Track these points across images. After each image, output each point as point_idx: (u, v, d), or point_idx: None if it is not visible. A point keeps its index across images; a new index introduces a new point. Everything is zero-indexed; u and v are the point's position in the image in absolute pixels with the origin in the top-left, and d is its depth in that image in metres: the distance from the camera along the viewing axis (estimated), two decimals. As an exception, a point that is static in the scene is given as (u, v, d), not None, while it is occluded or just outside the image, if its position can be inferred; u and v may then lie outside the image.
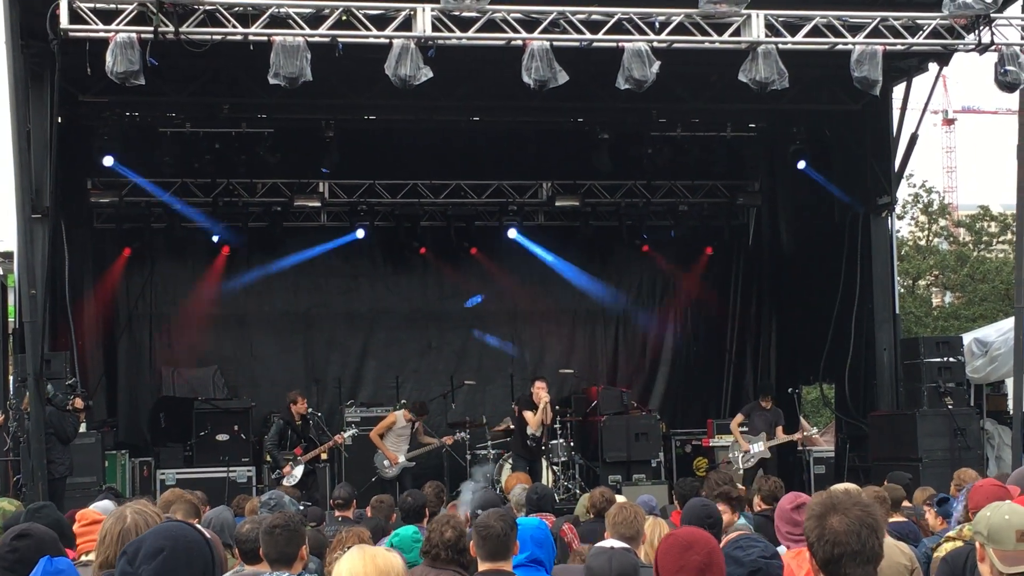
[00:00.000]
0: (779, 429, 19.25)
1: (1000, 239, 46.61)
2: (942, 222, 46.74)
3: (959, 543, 7.04)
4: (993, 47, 16.40)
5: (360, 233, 22.64)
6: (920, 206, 45.30)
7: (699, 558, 4.71)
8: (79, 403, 16.29)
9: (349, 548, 7.63)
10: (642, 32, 15.78)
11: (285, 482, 17.32)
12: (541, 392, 18.41)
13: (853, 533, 4.11)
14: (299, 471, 17.75)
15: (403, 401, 20.71)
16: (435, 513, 11.28)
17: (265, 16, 15.08)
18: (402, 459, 18.92)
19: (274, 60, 14.81)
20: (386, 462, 18.96)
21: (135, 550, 3.70)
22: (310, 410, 18.64)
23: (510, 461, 19.24)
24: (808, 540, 4.23)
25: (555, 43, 15.47)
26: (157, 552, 3.67)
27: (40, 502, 8.05)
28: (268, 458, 18.97)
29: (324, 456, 19.58)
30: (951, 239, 47.00)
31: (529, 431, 18.44)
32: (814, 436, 20.71)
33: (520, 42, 15.46)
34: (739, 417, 19.68)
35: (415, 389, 22.66)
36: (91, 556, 6.39)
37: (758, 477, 15.15)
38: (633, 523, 7.38)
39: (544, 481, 18.45)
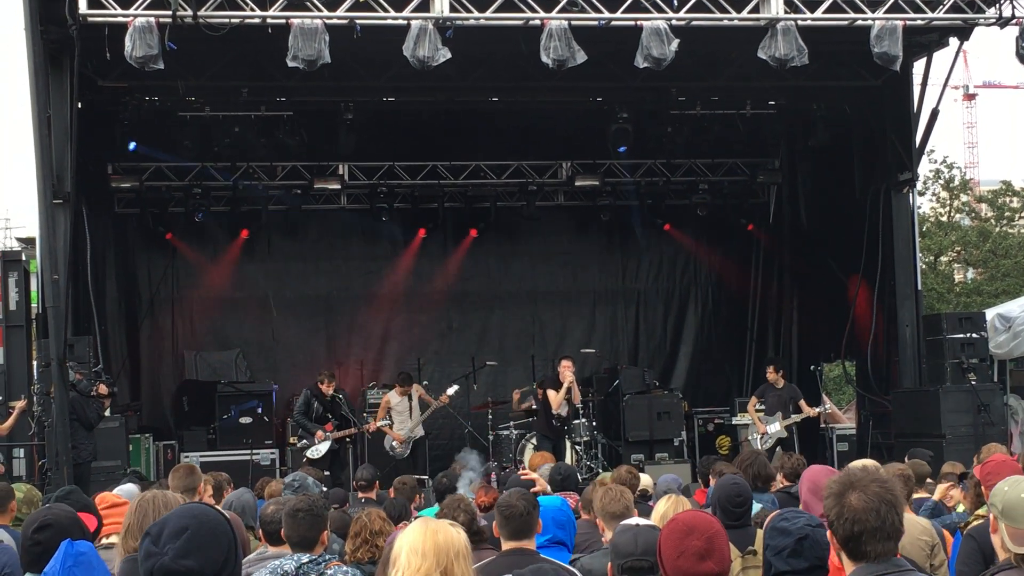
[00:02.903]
0: (802, 403, 19.18)
1: (1022, 214, 46.42)
2: (963, 198, 46.57)
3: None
4: (1014, 21, 16.34)
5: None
6: (941, 182, 45.15)
7: (699, 543, 4.69)
8: (103, 389, 16.37)
9: (373, 530, 7.70)
10: (660, 10, 15.75)
11: (309, 453, 17.40)
12: (567, 372, 18.37)
13: (872, 510, 4.11)
14: (325, 446, 17.81)
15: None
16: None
17: (283, -1, 15.10)
18: (406, 434, 18.95)
19: (292, 43, 14.84)
20: (394, 443, 18.98)
21: (159, 530, 3.71)
22: (335, 392, 18.68)
23: (533, 441, 19.24)
24: (828, 519, 4.23)
25: (573, 22, 15.45)
26: (182, 531, 3.68)
27: (67, 487, 8.09)
28: (294, 438, 18.98)
29: (348, 439, 19.68)
30: (973, 215, 46.82)
31: (553, 410, 18.42)
32: (832, 412, 20.63)
33: (538, 21, 15.46)
34: (754, 399, 19.66)
35: (436, 371, 22.69)
36: (113, 539, 6.45)
37: (779, 454, 15.13)
38: (620, 499, 7.36)
39: (567, 460, 18.45)
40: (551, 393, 18.34)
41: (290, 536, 6.54)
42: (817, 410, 19.58)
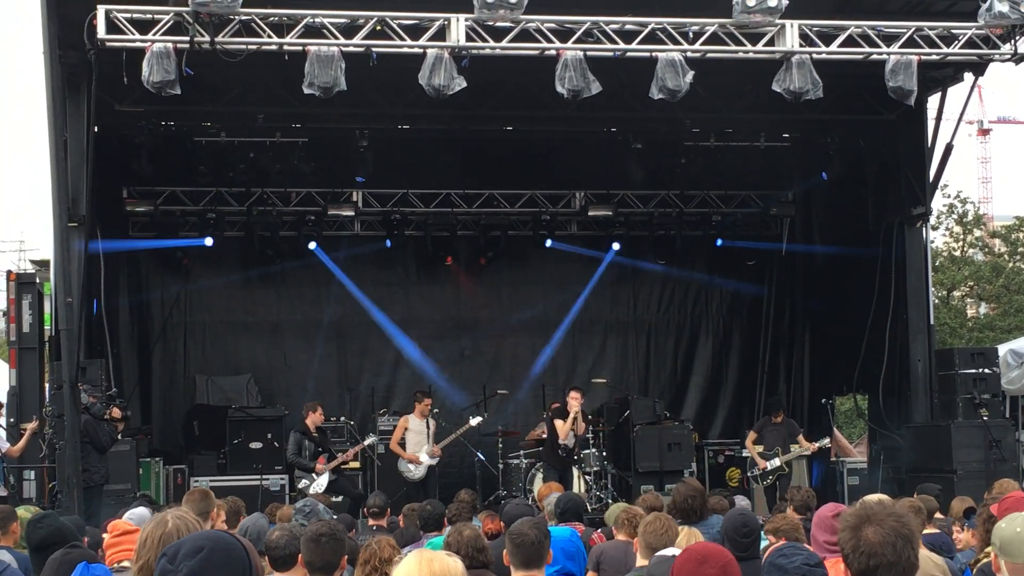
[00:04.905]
0: (800, 438, 19.22)
1: (1035, 250, 46.29)
2: (977, 233, 46.48)
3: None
4: (1029, 57, 16.35)
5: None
6: (955, 217, 45.06)
7: (713, 572, 4.71)
8: (117, 413, 16.37)
9: (383, 558, 7.69)
10: (676, 42, 15.79)
11: (311, 491, 17.40)
12: (573, 402, 18.43)
13: (888, 544, 4.09)
14: (324, 480, 17.83)
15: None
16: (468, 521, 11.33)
17: (300, 26, 15.19)
18: (424, 458, 18.91)
19: (309, 70, 14.92)
20: (410, 465, 18.96)
21: (175, 550, 3.74)
22: (342, 419, 18.72)
23: (542, 471, 19.24)
24: (843, 551, 4.22)
25: (589, 53, 15.52)
26: (197, 550, 3.71)
27: (41, 512, 8.09)
28: (293, 470, 18.98)
29: (356, 464, 19.65)
30: (986, 250, 46.73)
31: (560, 440, 18.47)
32: (843, 445, 20.56)
33: (554, 52, 15.52)
34: (752, 435, 19.70)
35: (447, 398, 22.68)
36: (125, 564, 6.46)
37: (790, 488, 15.13)
38: (664, 535, 7.37)
39: (576, 490, 18.43)
40: (558, 423, 18.44)
41: (312, 561, 6.57)
42: (816, 445, 19.53)
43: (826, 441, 20.07)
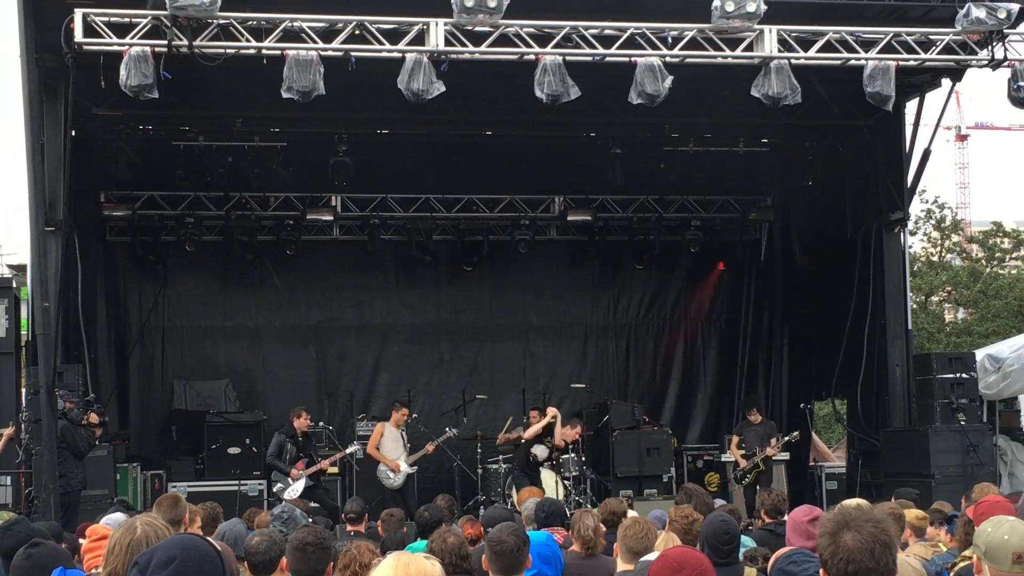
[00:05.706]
0: (772, 441, 19.25)
1: (1013, 255, 46.57)
2: (955, 238, 46.65)
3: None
4: (1006, 63, 16.43)
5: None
6: (933, 222, 45.22)
7: None
8: (94, 418, 16.28)
9: (363, 563, 7.66)
10: (655, 47, 15.81)
11: (286, 496, 17.32)
12: (568, 429, 18.74)
13: (867, 550, 4.07)
14: (300, 485, 17.75)
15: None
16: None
17: (279, 30, 15.15)
18: (403, 465, 18.89)
19: (287, 74, 14.88)
20: (389, 472, 18.91)
21: (147, 560, 3.70)
22: (321, 424, 18.64)
23: (513, 475, 19.28)
24: (822, 557, 4.20)
25: (568, 58, 15.52)
26: (169, 561, 3.67)
27: (10, 519, 8.04)
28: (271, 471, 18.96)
29: (335, 469, 19.56)
30: (964, 255, 46.91)
31: (523, 437, 18.72)
32: (821, 449, 20.60)
33: (533, 57, 15.52)
34: (736, 438, 19.80)
35: (427, 403, 22.65)
36: (100, 570, 6.41)
37: (760, 491, 15.20)
38: (643, 538, 7.36)
39: (555, 495, 18.43)
40: (532, 427, 18.66)
41: (298, 569, 6.58)
42: (779, 443, 19.48)
43: (795, 435, 19.97)
